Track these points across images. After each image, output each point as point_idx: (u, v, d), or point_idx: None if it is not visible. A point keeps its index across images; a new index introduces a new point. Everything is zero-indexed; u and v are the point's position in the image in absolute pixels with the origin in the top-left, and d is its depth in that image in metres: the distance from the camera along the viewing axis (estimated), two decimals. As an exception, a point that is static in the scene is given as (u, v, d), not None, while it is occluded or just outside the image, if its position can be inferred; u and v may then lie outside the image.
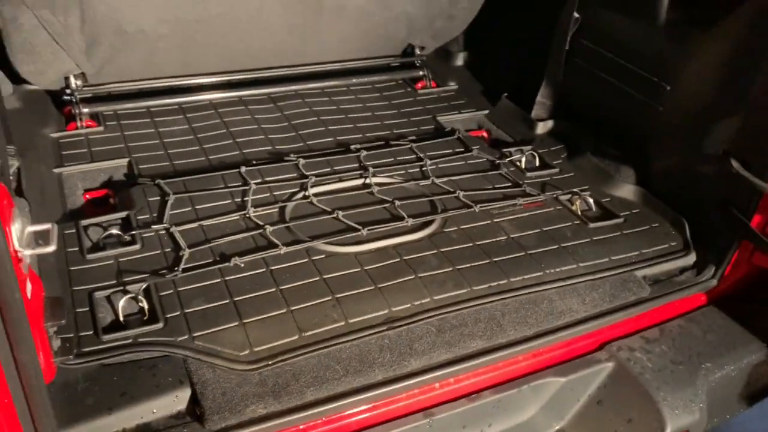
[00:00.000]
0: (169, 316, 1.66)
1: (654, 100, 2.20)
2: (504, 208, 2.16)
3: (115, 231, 1.90)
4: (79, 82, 2.48)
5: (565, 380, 1.78)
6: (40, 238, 1.24)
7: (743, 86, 1.92)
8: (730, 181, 1.94)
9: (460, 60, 3.24)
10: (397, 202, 2.13)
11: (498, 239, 2.03)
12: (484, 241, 2.01)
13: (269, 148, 2.44)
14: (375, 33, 2.82)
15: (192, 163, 2.31)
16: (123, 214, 1.97)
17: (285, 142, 2.48)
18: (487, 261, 1.93)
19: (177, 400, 1.49)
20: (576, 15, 2.44)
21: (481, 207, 2.14)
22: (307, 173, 2.24)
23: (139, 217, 1.98)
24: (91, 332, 1.59)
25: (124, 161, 2.28)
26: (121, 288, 1.71)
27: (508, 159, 2.42)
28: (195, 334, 1.62)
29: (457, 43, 3.23)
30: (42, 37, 2.23)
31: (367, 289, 1.80)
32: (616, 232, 2.10)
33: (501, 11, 3.00)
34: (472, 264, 1.91)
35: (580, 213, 2.17)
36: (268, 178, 2.21)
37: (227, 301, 1.72)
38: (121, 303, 1.66)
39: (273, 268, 1.84)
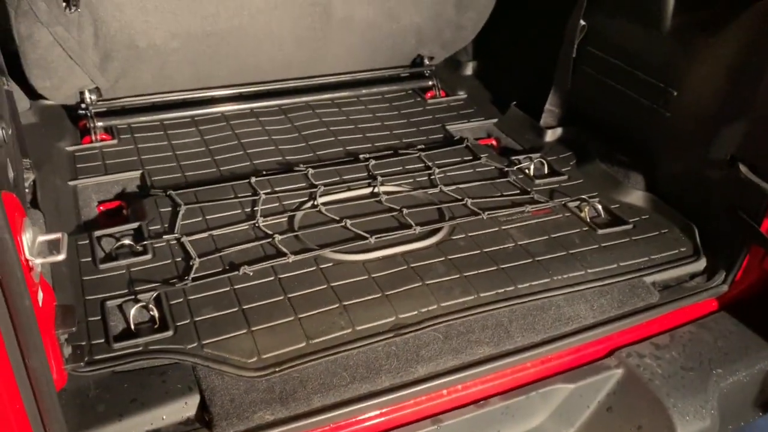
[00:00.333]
0: (179, 324, 1.68)
1: (661, 106, 2.20)
2: (512, 216, 2.17)
3: (127, 241, 1.94)
4: (93, 97, 2.53)
5: (574, 387, 1.78)
6: (51, 247, 1.27)
7: (750, 90, 1.92)
8: (739, 185, 1.93)
9: (469, 69, 3.26)
10: (405, 211, 2.15)
11: (506, 246, 2.03)
12: (491, 248, 2.01)
13: (279, 158, 2.47)
14: (384, 44, 2.85)
15: (203, 175, 2.35)
16: (135, 224, 2.01)
17: (295, 153, 2.51)
18: (495, 268, 1.93)
19: (186, 407, 1.51)
20: (582, 22, 2.45)
21: (488, 214, 2.15)
22: (316, 183, 2.27)
23: (150, 228, 2.02)
24: (102, 340, 1.62)
25: (137, 173, 2.32)
26: (133, 297, 1.74)
27: (516, 167, 2.43)
28: (204, 342, 1.64)
29: (466, 52, 3.25)
30: (57, 53, 2.29)
31: (375, 296, 1.81)
32: (625, 239, 2.10)
33: (509, 20, 3.02)
34: (480, 271, 1.92)
35: (588, 219, 2.17)
36: (277, 188, 2.24)
37: (236, 309, 1.74)
38: (132, 312, 1.69)
39: (281, 276, 1.86)
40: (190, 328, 1.68)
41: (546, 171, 2.44)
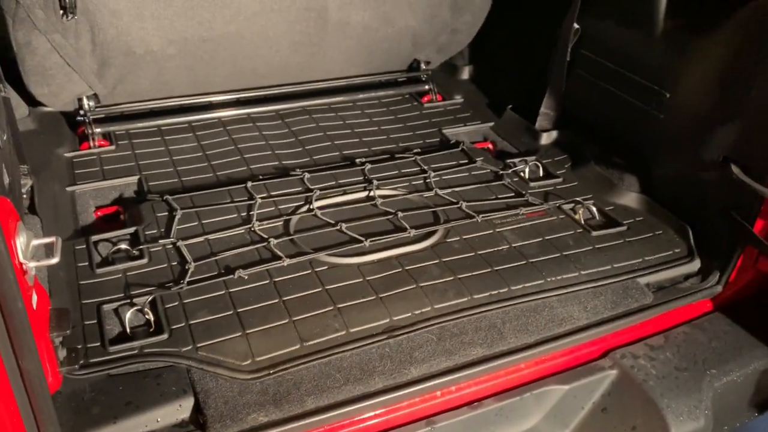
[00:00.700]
0: (174, 327, 1.70)
1: (654, 108, 2.21)
2: (506, 218, 2.18)
3: (123, 246, 1.95)
4: (91, 103, 2.55)
5: (568, 388, 1.78)
6: (45, 250, 1.28)
7: (742, 92, 1.93)
8: (732, 186, 1.94)
9: (465, 74, 3.28)
10: (401, 214, 2.16)
11: (500, 248, 2.04)
12: (485, 251, 2.02)
13: (276, 163, 2.48)
14: (380, 48, 2.87)
15: (200, 180, 2.36)
16: (131, 229, 2.03)
17: (292, 158, 2.52)
18: (489, 270, 1.94)
19: (180, 409, 1.52)
20: (576, 26, 2.46)
21: (483, 217, 2.16)
22: (312, 187, 2.28)
23: (147, 232, 2.03)
24: (98, 343, 1.63)
25: (135, 179, 2.34)
26: (128, 301, 1.76)
27: (511, 170, 2.44)
28: (199, 345, 1.65)
29: (462, 57, 3.27)
30: (54, 60, 2.31)
31: (369, 299, 1.82)
32: (619, 240, 2.11)
33: (505, 24, 3.03)
34: (474, 273, 1.93)
35: (582, 221, 2.18)
36: (273, 193, 2.26)
37: (231, 312, 1.76)
38: (128, 315, 1.70)
39: (276, 279, 1.87)
40: (185, 331, 1.69)
41: (541, 174, 2.45)
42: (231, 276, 1.86)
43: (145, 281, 1.85)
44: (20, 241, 1.25)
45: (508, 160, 2.49)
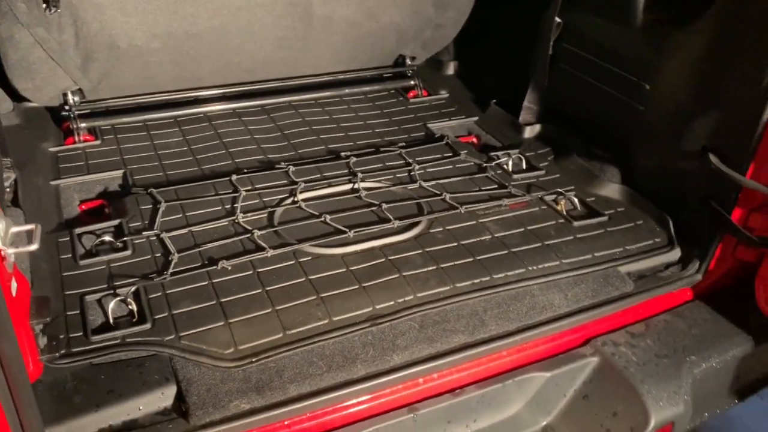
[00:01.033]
0: (157, 317, 1.70)
1: (635, 100, 2.24)
2: (489, 209, 2.19)
3: (107, 238, 1.95)
4: (76, 98, 2.55)
5: (550, 375, 1.80)
6: (24, 238, 1.29)
7: (719, 83, 1.96)
8: (711, 176, 1.96)
9: (451, 69, 3.30)
10: (385, 205, 2.17)
11: (482, 239, 2.06)
12: (468, 241, 2.04)
13: (261, 157, 2.49)
14: (365, 44, 2.88)
15: (185, 173, 2.36)
16: (116, 221, 2.03)
17: (277, 152, 2.53)
18: (471, 259, 1.96)
19: (163, 397, 1.53)
20: (558, 20, 2.49)
21: (466, 208, 2.17)
22: (297, 180, 2.29)
23: (131, 225, 2.03)
24: (80, 333, 1.63)
25: (119, 173, 2.34)
26: (112, 291, 1.76)
27: (495, 162, 2.46)
28: (181, 334, 1.66)
29: (448, 52, 3.29)
30: (38, 54, 2.31)
31: (352, 288, 1.84)
32: (600, 230, 2.13)
33: (489, 20, 3.06)
34: (456, 262, 1.94)
35: (564, 212, 2.20)
36: (258, 186, 2.26)
37: (214, 302, 1.76)
38: (111, 305, 1.70)
39: (260, 270, 1.88)
40: (167, 321, 1.69)
41: (524, 166, 2.47)
42: (214, 267, 1.86)
43: (129, 272, 1.85)
44: (-1, 228, 1.25)
45: (492, 153, 2.51)
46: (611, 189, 2.31)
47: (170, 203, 2.13)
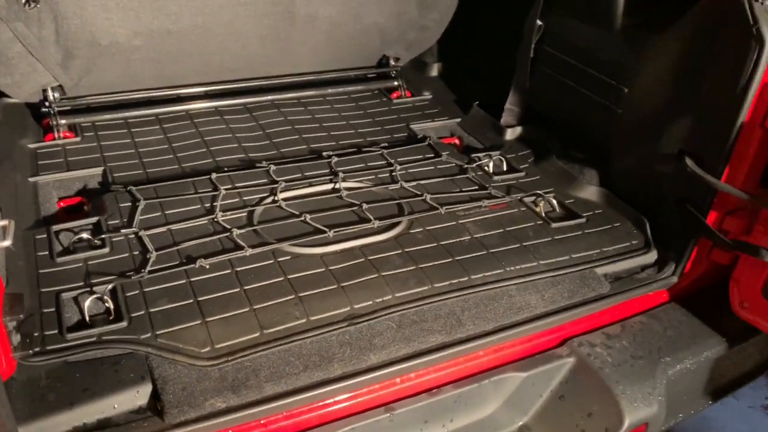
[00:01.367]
0: (133, 315, 1.69)
1: (613, 103, 2.26)
2: (469, 210, 2.21)
3: (85, 235, 1.94)
4: (56, 95, 2.53)
5: (526, 375, 1.81)
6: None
7: (694, 86, 1.98)
8: (687, 179, 1.99)
9: (434, 71, 3.32)
10: (365, 206, 2.18)
11: (462, 239, 2.07)
12: (448, 241, 2.05)
13: (242, 156, 2.49)
14: (348, 44, 2.89)
15: (165, 171, 2.36)
16: (93, 219, 2.02)
17: (258, 150, 2.53)
18: (450, 260, 1.97)
19: (138, 396, 1.52)
20: (539, 23, 2.51)
21: (447, 209, 2.19)
22: (278, 179, 2.29)
23: (109, 222, 2.02)
24: (55, 331, 1.62)
25: (99, 170, 2.33)
26: (88, 289, 1.75)
27: (476, 164, 2.47)
28: (158, 332, 1.65)
29: (431, 54, 3.30)
30: (17, 49, 2.29)
31: (331, 287, 1.84)
32: (578, 232, 2.15)
33: (473, 23, 3.07)
34: (435, 262, 1.95)
35: (543, 214, 2.21)
36: (238, 184, 2.26)
37: (191, 300, 1.76)
38: (87, 303, 1.69)
39: (238, 269, 1.88)
40: (144, 319, 1.69)
41: (505, 168, 2.49)
42: (192, 265, 1.86)
43: (106, 270, 1.84)
44: (-29, 224, 1.24)
45: (473, 155, 2.52)
46: (590, 191, 2.34)
47: (149, 201, 2.13)
